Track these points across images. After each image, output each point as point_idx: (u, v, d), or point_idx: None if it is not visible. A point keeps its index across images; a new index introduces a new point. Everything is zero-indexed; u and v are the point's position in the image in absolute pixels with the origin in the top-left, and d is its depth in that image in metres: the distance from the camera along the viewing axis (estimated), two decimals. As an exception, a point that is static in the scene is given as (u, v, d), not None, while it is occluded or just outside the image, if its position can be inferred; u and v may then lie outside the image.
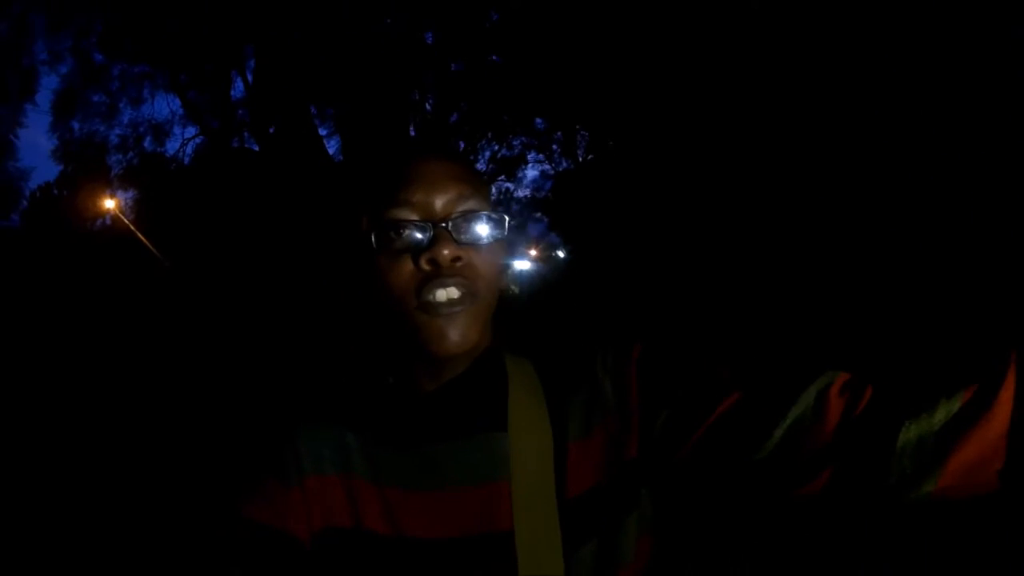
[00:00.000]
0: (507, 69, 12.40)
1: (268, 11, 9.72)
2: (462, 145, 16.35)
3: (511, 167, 18.42)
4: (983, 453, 0.65)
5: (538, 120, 15.39)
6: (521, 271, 22.24)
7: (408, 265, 0.77)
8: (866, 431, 0.70)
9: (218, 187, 11.99)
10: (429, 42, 11.99)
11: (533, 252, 24.40)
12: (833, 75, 6.16)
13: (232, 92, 14.16)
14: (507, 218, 0.82)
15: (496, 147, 17.42)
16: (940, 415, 0.66)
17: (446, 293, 0.77)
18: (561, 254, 21.68)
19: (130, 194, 15.59)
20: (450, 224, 0.77)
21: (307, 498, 0.80)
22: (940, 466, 0.66)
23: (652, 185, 9.99)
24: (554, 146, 17.07)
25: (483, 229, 0.80)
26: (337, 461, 0.81)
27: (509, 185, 20.16)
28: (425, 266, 0.76)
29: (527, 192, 21.22)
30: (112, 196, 14.91)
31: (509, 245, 0.86)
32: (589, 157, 15.60)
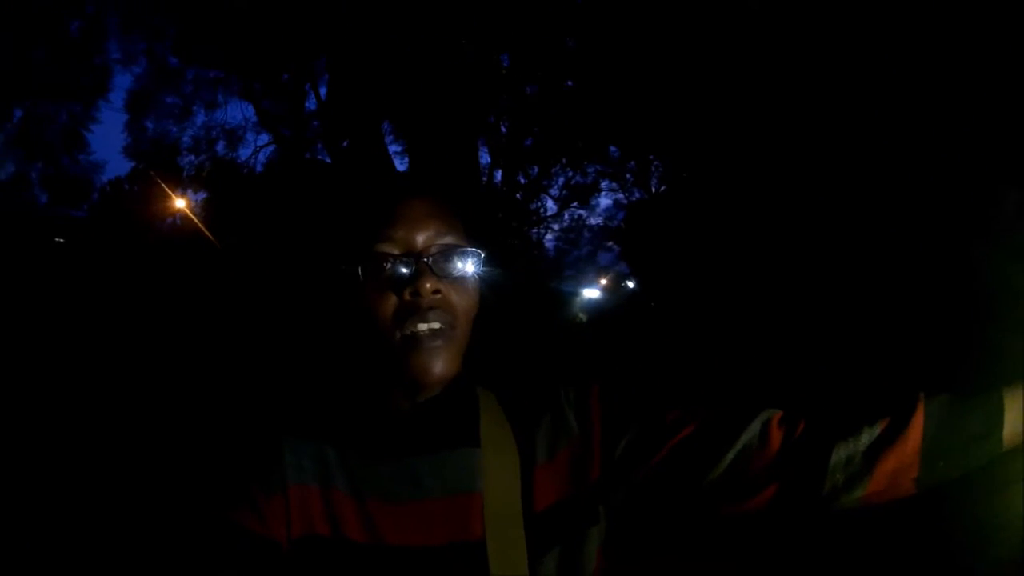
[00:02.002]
0: (582, 95, 12.35)
1: (345, 26, 9.92)
2: (535, 170, 16.35)
3: (584, 194, 18.31)
4: (901, 464, 0.83)
5: (612, 148, 15.27)
6: (589, 299, 22.03)
7: (392, 297, 0.83)
8: (803, 453, 0.86)
9: (288, 197, 12.23)
10: (505, 65, 12.07)
11: (602, 281, 24.12)
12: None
13: (307, 104, 14.28)
14: (481, 253, 0.89)
15: (570, 173, 17.34)
16: (865, 438, 0.84)
17: (427, 326, 0.83)
18: (631, 285, 21.37)
19: (200, 195, 15.82)
20: (430, 259, 0.84)
21: (289, 506, 0.83)
22: (867, 475, 0.83)
23: (726, 219, 9.79)
24: (627, 175, 16.91)
25: (460, 263, 0.87)
26: (318, 473, 0.85)
27: (582, 212, 20.03)
28: (407, 297, 0.82)
29: (599, 220, 21.02)
30: (183, 196, 15.17)
31: (479, 282, 0.91)
32: (663, 188, 15.39)
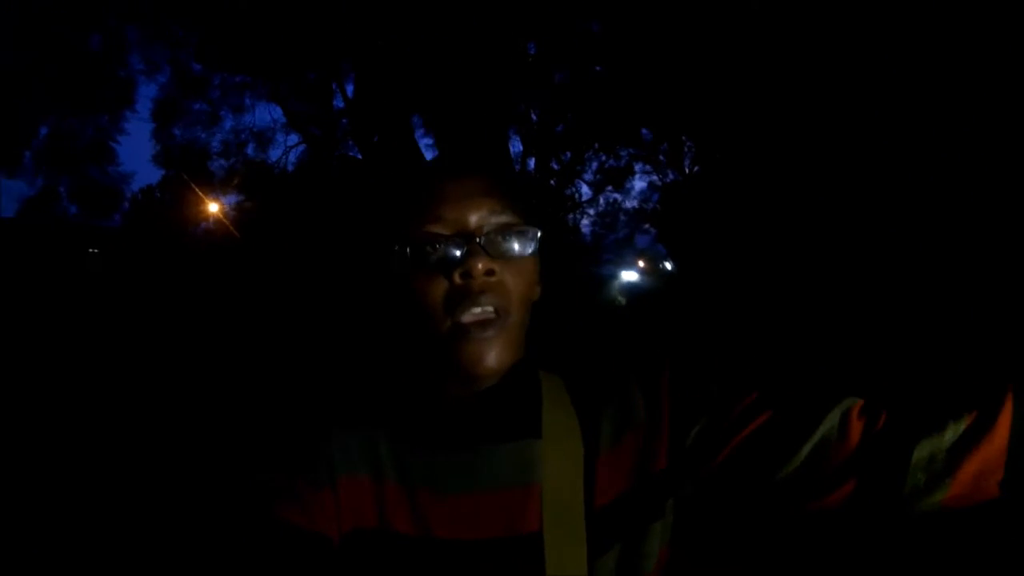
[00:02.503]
0: (611, 79, 12.27)
1: (369, 22, 10.01)
2: (568, 155, 16.34)
3: (618, 178, 18.27)
4: (986, 466, 0.74)
5: (644, 131, 15.16)
6: (627, 282, 21.96)
7: (442, 280, 0.78)
8: (884, 449, 0.77)
9: (322, 194, 12.34)
10: (532, 52, 12.05)
11: (640, 263, 24.02)
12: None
13: (335, 101, 14.27)
14: (540, 232, 0.83)
15: (603, 158, 17.30)
16: (949, 435, 0.75)
17: (480, 310, 0.78)
18: (668, 266, 21.26)
19: (233, 199, 15.85)
20: (483, 239, 0.79)
21: (338, 499, 0.80)
22: (950, 477, 0.74)
23: (760, 198, 9.69)
24: (661, 157, 16.79)
25: (516, 243, 0.81)
26: (368, 463, 0.82)
27: (617, 196, 19.99)
28: (458, 280, 0.77)
29: (635, 203, 20.92)
30: (215, 200, 15.27)
31: (538, 262, 0.86)
32: (696, 169, 15.25)
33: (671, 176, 16.88)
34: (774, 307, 7.75)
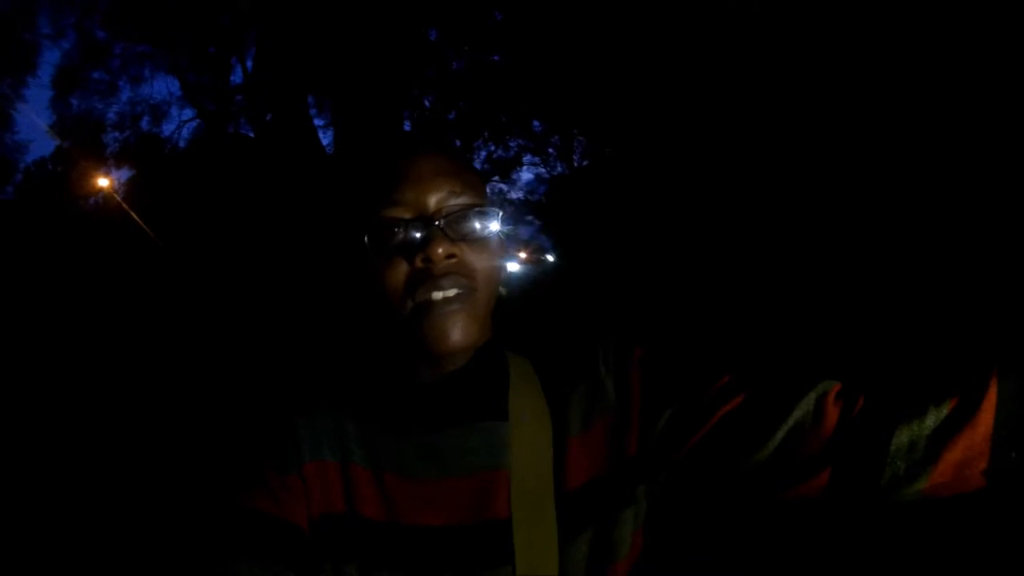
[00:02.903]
0: (508, 69, 12.40)
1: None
2: (458, 144, 16.32)
3: (506, 168, 18.37)
4: (970, 454, 0.70)
5: (535, 122, 15.41)
6: (510, 273, 22.19)
7: (403, 264, 0.78)
8: (861, 435, 0.75)
9: (212, 171, 11.97)
10: (432, 39, 12.01)
11: (523, 255, 24.35)
12: (831, 76, 6.20)
13: (232, 77, 14.21)
14: (501, 212, 0.83)
15: (492, 147, 17.39)
16: (930, 420, 0.72)
17: (442, 294, 0.78)
18: (551, 258, 21.66)
19: (125, 173, 15.63)
20: (443, 221, 0.78)
21: (306, 485, 0.80)
22: (931, 465, 0.71)
23: (647, 194, 10.00)
24: (550, 150, 17.09)
25: (477, 224, 0.81)
26: (335, 448, 0.82)
27: (503, 186, 20.12)
28: (419, 264, 0.77)
29: (520, 194, 21.15)
30: (106, 175, 14.91)
31: (505, 240, 0.87)
32: (585, 163, 15.65)
33: (559, 169, 17.21)
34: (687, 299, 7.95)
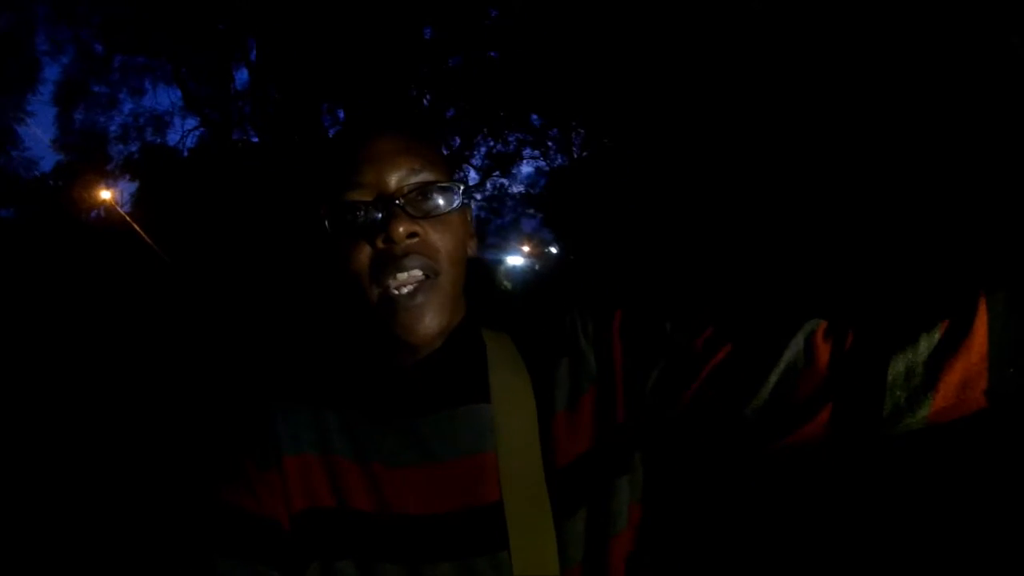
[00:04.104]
0: (504, 65, 12.46)
1: (270, 3, 9.79)
2: (458, 141, 16.40)
3: (506, 163, 18.39)
4: (968, 374, 0.71)
5: (534, 116, 15.46)
6: (513, 266, 22.27)
7: (365, 247, 0.77)
8: (856, 369, 0.75)
9: (218, 179, 12.02)
10: (427, 37, 12.08)
11: (526, 248, 24.42)
12: (828, 74, 6.28)
13: (233, 85, 14.30)
14: (463, 186, 0.82)
15: (492, 143, 17.44)
16: (923, 346, 0.72)
17: (407, 275, 0.77)
18: (554, 250, 21.74)
19: (129, 184, 15.70)
20: (403, 200, 0.77)
21: (286, 479, 0.79)
22: (931, 390, 0.72)
23: (647, 183, 10.05)
24: (549, 143, 17.10)
25: (438, 200, 0.80)
26: (316, 441, 0.81)
27: (504, 181, 20.17)
28: (381, 245, 0.77)
29: (521, 188, 21.21)
30: (108, 187, 15.03)
31: (470, 216, 0.87)
32: (584, 154, 15.69)
33: (559, 161, 17.24)
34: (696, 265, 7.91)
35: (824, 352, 0.76)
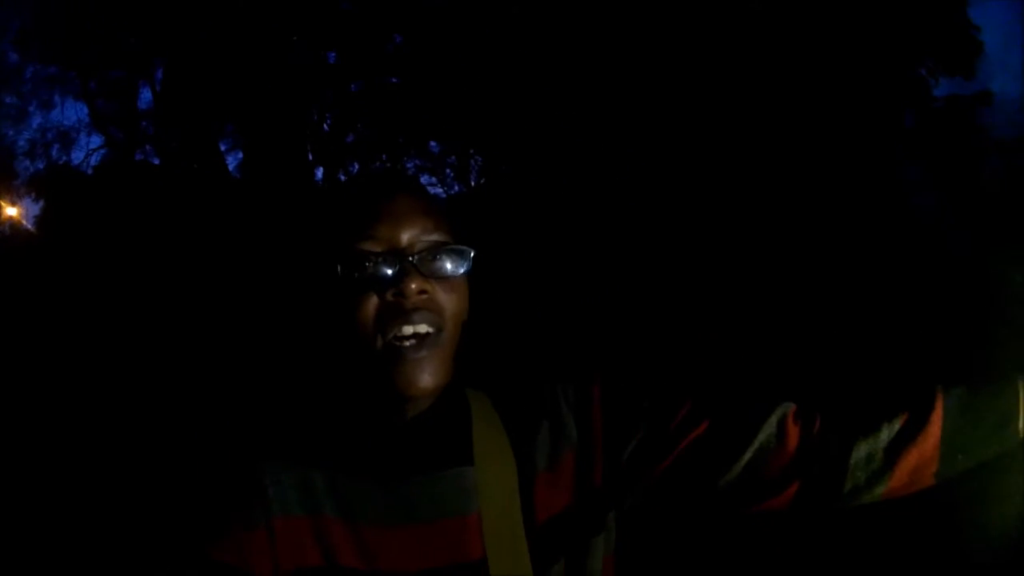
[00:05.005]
0: (405, 91, 12.67)
1: (179, 23, 9.67)
2: (356, 166, 16.40)
3: (403, 189, 18.39)
4: (921, 460, 0.83)
5: (432, 143, 15.70)
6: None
7: (373, 298, 0.78)
8: (823, 451, 0.84)
9: (119, 200, 11.65)
10: (331, 61, 12.19)
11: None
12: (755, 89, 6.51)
13: (139, 104, 14.37)
14: (472, 251, 0.84)
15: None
16: (885, 434, 0.83)
17: (412, 328, 0.78)
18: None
19: (31, 201, 15.38)
20: (416, 257, 0.79)
21: (274, 539, 0.79)
22: (888, 473, 0.83)
23: (546, 211, 10.29)
24: (447, 170, 17.36)
25: (449, 262, 0.82)
26: (304, 502, 0.82)
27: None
28: (391, 298, 0.78)
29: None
30: (14, 203, 14.84)
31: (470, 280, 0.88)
32: (482, 182, 16.01)
33: (456, 189, 17.50)
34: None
35: (794, 435, 0.85)
